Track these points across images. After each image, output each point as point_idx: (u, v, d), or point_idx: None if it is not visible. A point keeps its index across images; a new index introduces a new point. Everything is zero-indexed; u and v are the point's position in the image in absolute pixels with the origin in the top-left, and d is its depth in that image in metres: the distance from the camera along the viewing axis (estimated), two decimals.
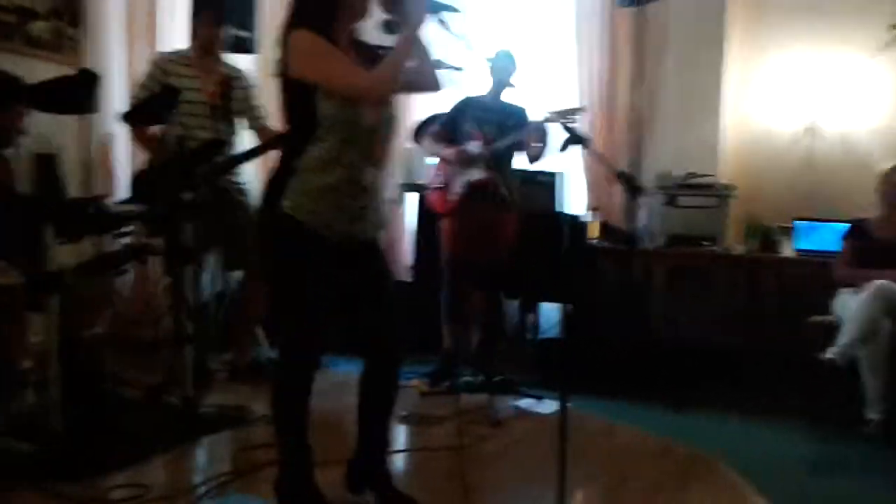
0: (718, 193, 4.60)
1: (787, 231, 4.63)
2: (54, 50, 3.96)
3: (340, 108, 2.21)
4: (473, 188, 4.16)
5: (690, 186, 4.60)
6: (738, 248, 4.64)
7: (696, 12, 4.87)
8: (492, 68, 4.13)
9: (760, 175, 4.97)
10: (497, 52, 4.19)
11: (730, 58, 4.97)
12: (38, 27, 3.90)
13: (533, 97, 2.58)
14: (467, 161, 4.13)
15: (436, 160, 4.35)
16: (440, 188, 4.28)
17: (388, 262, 2.62)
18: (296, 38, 2.20)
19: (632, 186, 2.72)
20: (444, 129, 4.29)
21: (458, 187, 4.20)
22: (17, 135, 3.01)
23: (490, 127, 4.15)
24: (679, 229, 4.61)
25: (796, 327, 4.02)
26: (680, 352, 4.33)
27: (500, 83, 4.17)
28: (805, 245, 4.56)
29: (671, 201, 4.61)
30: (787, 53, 4.93)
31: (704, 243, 4.57)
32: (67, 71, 3.68)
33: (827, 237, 4.43)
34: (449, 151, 4.18)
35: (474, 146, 4.13)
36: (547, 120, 3.98)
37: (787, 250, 4.59)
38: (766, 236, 4.62)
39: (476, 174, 4.15)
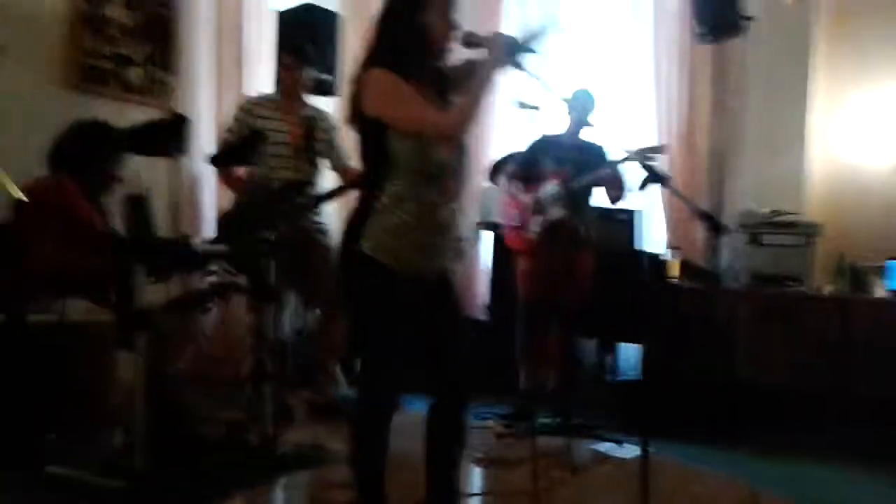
0: (804, 231, 4.46)
1: (879, 270, 4.43)
2: (147, 94, 4.14)
3: (413, 147, 2.22)
4: (550, 227, 4.15)
5: (775, 224, 4.47)
6: (827, 289, 4.47)
7: (780, 46, 4.77)
8: (570, 107, 4.13)
9: (849, 212, 4.79)
10: (575, 91, 4.18)
11: (815, 91, 4.85)
12: (134, 73, 4.08)
13: (611, 135, 2.56)
14: (542, 208, 4.13)
15: (512, 199, 4.36)
16: (516, 227, 4.27)
17: (463, 300, 2.61)
18: (371, 76, 2.22)
19: (715, 226, 2.65)
20: (522, 168, 4.30)
21: (534, 226, 4.19)
22: (116, 183, 3.15)
23: (568, 165, 4.14)
24: (763, 268, 4.46)
25: (890, 370, 3.84)
26: (766, 394, 4.18)
27: (579, 122, 4.15)
28: None
29: (755, 239, 4.49)
30: (875, 87, 4.78)
31: (790, 283, 4.41)
32: (159, 115, 3.86)
33: None
34: (524, 197, 4.19)
35: (550, 188, 4.13)
36: (626, 159, 3.95)
37: (880, 290, 4.40)
38: (856, 276, 4.43)
39: (553, 213, 4.14)
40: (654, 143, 4.15)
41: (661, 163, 4.78)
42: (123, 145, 3.15)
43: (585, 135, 4.23)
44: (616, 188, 4.09)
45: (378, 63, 2.23)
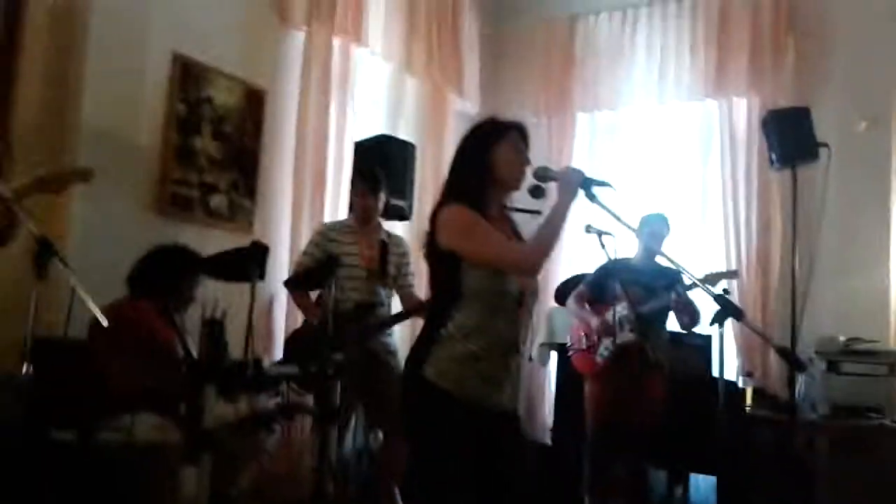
0: (886, 360, 4.29)
1: None
2: (229, 220, 4.36)
3: (487, 279, 2.28)
4: (619, 350, 4.10)
5: (855, 352, 4.32)
6: None
7: (857, 170, 4.76)
8: (640, 230, 4.14)
9: None
10: (647, 215, 4.21)
11: (895, 217, 4.77)
12: (217, 200, 4.33)
13: (685, 261, 2.59)
14: (610, 331, 4.10)
15: (580, 321, 4.34)
16: (584, 349, 4.24)
17: (528, 427, 2.59)
18: (449, 212, 2.30)
19: (794, 362, 2.60)
20: (590, 290, 4.31)
21: (604, 349, 4.15)
22: (191, 302, 3.31)
23: (637, 289, 4.12)
24: (843, 398, 4.28)
25: None
26: None
27: (649, 246, 4.15)
28: None
29: (834, 368, 4.33)
30: None
31: (872, 415, 4.21)
32: (240, 239, 4.05)
33: None
34: (593, 320, 4.17)
35: (619, 310, 4.11)
36: (695, 284, 3.92)
37: None
38: None
39: (623, 336, 4.10)
40: (725, 268, 4.09)
41: (734, 292, 4.75)
42: (200, 268, 3.32)
43: (659, 259, 4.22)
44: (687, 314, 4.04)
45: (454, 198, 2.33)
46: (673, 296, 3.97)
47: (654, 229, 4.11)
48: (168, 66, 4.09)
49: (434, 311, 2.38)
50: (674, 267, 4.19)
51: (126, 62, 3.85)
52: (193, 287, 3.29)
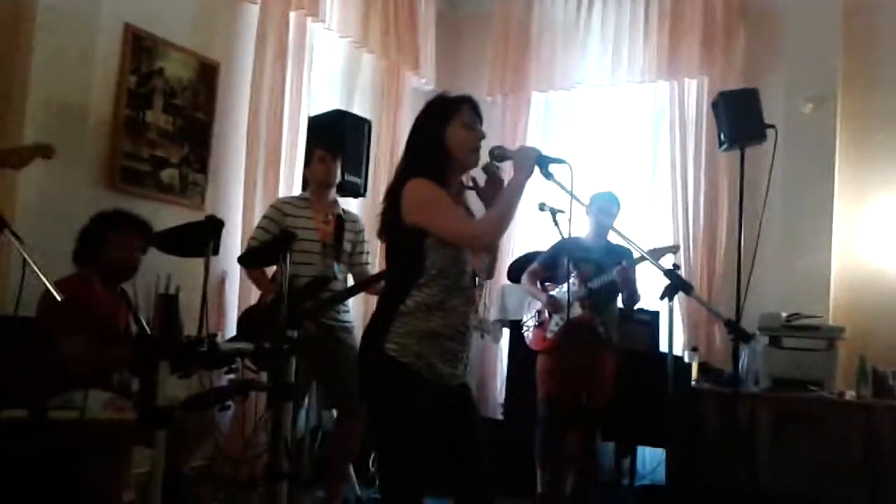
0: (826, 335, 4.44)
1: None
2: (181, 195, 4.31)
3: (449, 256, 2.30)
4: (570, 326, 4.17)
5: (796, 328, 4.46)
6: (850, 394, 4.42)
7: (803, 152, 4.90)
8: (590, 209, 4.20)
9: (871, 316, 4.79)
10: (596, 194, 4.27)
11: (837, 196, 4.92)
12: (169, 174, 4.27)
13: (634, 238, 2.65)
14: (558, 308, 4.17)
15: (532, 298, 4.41)
16: (536, 326, 4.31)
17: (480, 402, 2.64)
18: (412, 186, 2.30)
19: (739, 334, 2.67)
20: (543, 268, 4.37)
21: (554, 325, 4.22)
22: (133, 267, 3.26)
23: (588, 266, 4.20)
24: (784, 372, 4.44)
25: None
26: (788, 501, 4.08)
27: (599, 224, 4.23)
28: None
29: (776, 343, 4.47)
30: None
31: (812, 387, 4.37)
32: (192, 214, 4.01)
33: None
34: (542, 295, 4.25)
35: (569, 287, 4.18)
36: (639, 259, 4.01)
37: None
38: (880, 381, 4.38)
39: (573, 312, 4.18)
40: (667, 243, 4.18)
41: (682, 269, 4.87)
42: (151, 237, 3.28)
43: (609, 237, 4.30)
44: (627, 289, 4.14)
45: (415, 174, 2.34)
46: (616, 270, 4.06)
47: (603, 207, 4.18)
48: (119, 37, 4.01)
49: (393, 287, 2.39)
50: (623, 244, 4.31)
51: (76, 34, 3.75)
52: (129, 247, 3.23)
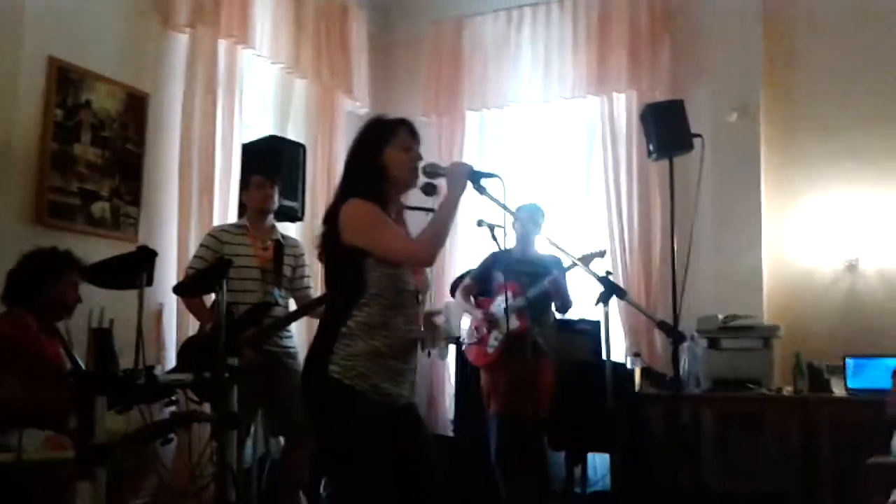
0: (762, 334, 4.57)
1: (838, 369, 4.53)
2: (113, 228, 4.24)
3: (389, 276, 2.31)
4: (507, 340, 4.22)
5: (732, 329, 4.58)
6: (787, 389, 4.55)
7: (730, 159, 5.05)
8: (518, 221, 4.24)
9: (804, 313, 4.96)
10: (521, 206, 4.34)
11: (766, 199, 5.08)
12: (100, 208, 4.19)
13: (561, 246, 2.71)
14: (494, 323, 4.23)
15: (468, 315, 4.45)
16: (475, 342, 4.35)
17: (429, 419, 2.64)
18: (350, 206, 2.31)
19: (673, 335, 2.74)
20: (476, 283, 4.42)
21: (493, 340, 4.26)
22: (71, 307, 3.20)
23: (522, 277, 4.26)
24: (724, 372, 4.55)
25: (855, 470, 3.87)
26: (733, 498, 4.18)
27: (528, 235, 4.31)
28: (857, 383, 4.45)
29: (713, 344, 4.58)
30: (823, 193, 5.04)
31: (751, 386, 4.49)
32: (125, 247, 3.94)
33: (879, 374, 4.32)
34: (477, 311, 4.29)
35: (501, 301, 4.24)
36: (570, 267, 4.09)
37: (839, 389, 4.48)
38: (815, 376, 4.52)
39: (510, 325, 4.22)
40: (596, 248, 4.26)
41: (618, 277, 4.99)
42: (83, 272, 3.23)
43: (540, 248, 4.37)
44: (559, 297, 4.21)
45: (352, 195, 2.34)
46: (548, 279, 4.12)
47: (530, 218, 4.21)
48: (44, 70, 3.94)
49: (334, 309, 2.39)
50: (551, 253, 4.38)
51: None
52: (71, 289, 3.18)
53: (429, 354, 4.93)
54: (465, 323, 4.52)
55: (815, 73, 5.16)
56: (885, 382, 4.11)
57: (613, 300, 2.68)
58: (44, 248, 3.29)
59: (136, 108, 4.42)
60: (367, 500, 2.26)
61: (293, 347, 4.00)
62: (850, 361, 4.51)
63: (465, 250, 5.68)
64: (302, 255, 4.12)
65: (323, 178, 5.41)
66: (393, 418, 2.33)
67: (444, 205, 2.36)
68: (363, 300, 2.31)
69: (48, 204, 3.93)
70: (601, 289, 2.61)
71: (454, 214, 2.37)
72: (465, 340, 4.45)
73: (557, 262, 4.31)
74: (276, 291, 3.91)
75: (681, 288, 4.26)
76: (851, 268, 4.90)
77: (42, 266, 3.19)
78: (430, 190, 2.49)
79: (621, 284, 4.68)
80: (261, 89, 5.33)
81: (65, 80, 4.04)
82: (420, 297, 2.42)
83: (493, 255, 4.48)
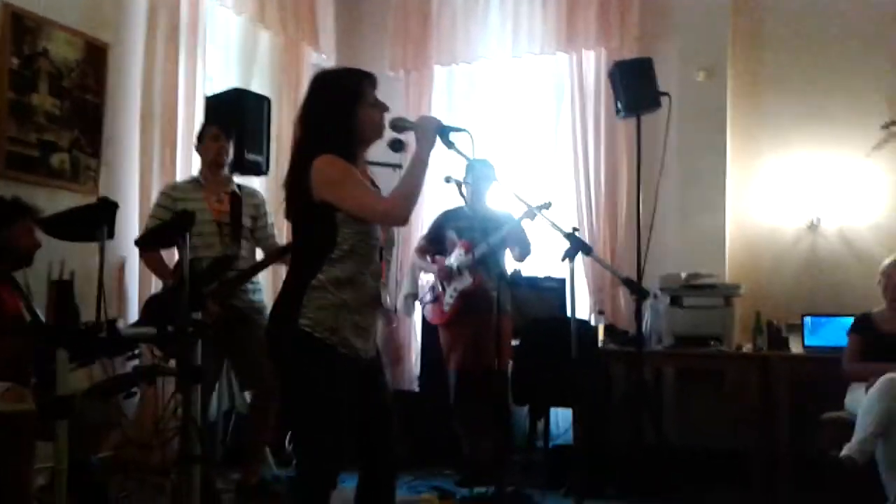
0: (723, 293, 4.63)
1: (796, 328, 4.63)
2: (73, 180, 4.15)
3: (360, 232, 2.30)
4: (462, 296, 4.25)
5: (695, 287, 4.64)
6: (747, 347, 4.64)
7: (696, 118, 5.06)
8: (470, 176, 4.21)
9: (766, 273, 5.03)
10: (474, 160, 4.30)
11: (730, 159, 5.12)
12: (59, 159, 4.10)
13: (520, 196, 2.72)
14: (449, 274, 4.25)
15: (424, 273, 4.47)
16: (433, 301, 4.37)
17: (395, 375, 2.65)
18: (321, 162, 2.27)
19: (637, 291, 2.77)
20: (428, 242, 4.44)
21: (448, 297, 4.28)
22: (27, 254, 3.13)
23: (473, 233, 4.27)
24: (686, 329, 4.61)
25: (811, 425, 3.99)
26: (693, 453, 4.28)
27: (478, 191, 4.31)
28: (815, 341, 4.55)
29: (676, 302, 4.64)
30: (786, 153, 5.09)
31: (712, 343, 4.56)
32: (85, 199, 3.87)
33: (836, 332, 4.40)
34: (432, 266, 4.31)
35: (455, 257, 4.25)
36: (521, 217, 4.10)
37: (797, 347, 4.58)
38: (774, 334, 4.61)
39: (463, 282, 4.25)
40: (541, 201, 4.25)
41: (585, 234, 5.02)
42: (31, 217, 3.17)
43: (490, 204, 4.37)
44: (518, 244, 4.23)
45: (321, 149, 2.30)
46: (504, 230, 4.14)
47: (480, 174, 4.14)
48: None
49: (302, 262, 2.36)
50: (503, 210, 4.38)
51: None
52: (26, 235, 3.12)
53: (395, 310, 5.00)
54: (426, 282, 4.54)
55: (781, 35, 5.17)
56: (841, 341, 4.21)
57: (579, 257, 2.69)
58: None
59: (96, 57, 4.30)
60: (322, 451, 2.28)
61: (260, 302, 3.98)
62: (807, 320, 4.61)
63: (432, 207, 5.65)
64: (262, 202, 4.08)
65: (288, 131, 5.23)
66: (361, 370, 2.35)
67: (415, 161, 2.34)
68: (333, 255, 2.29)
69: (6, 154, 3.83)
70: (566, 245, 2.62)
71: (425, 170, 2.35)
72: (421, 300, 4.46)
73: (509, 216, 4.32)
74: (238, 244, 3.85)
75: (645, 246, 4.32)
76: (812, 228, 4.96)
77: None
78: (397, 146, 2.47)
79: (587, 241, 4.70)
80: (225, 41, 5.21)
81: (21, 28, 3.91)
82: (384, 254, 2.41)
83: (444, 213, 4.49)
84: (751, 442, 4.29)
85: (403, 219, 2.36)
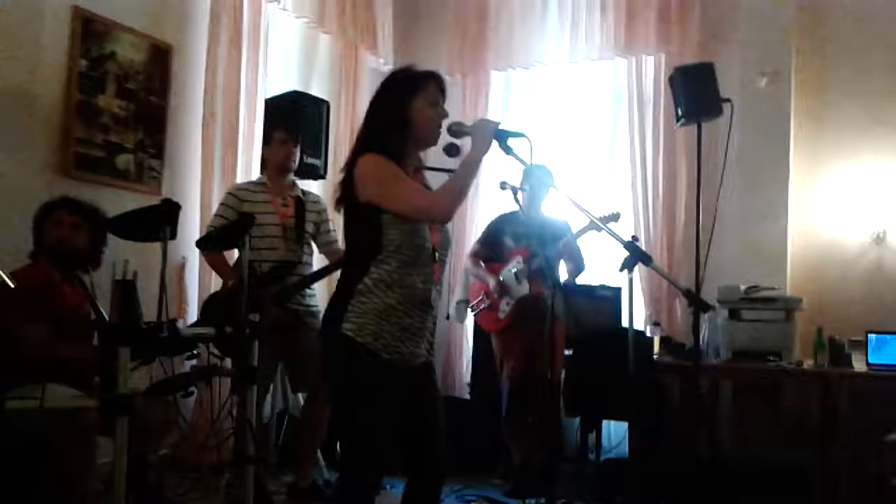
0: (784, 306, 4.52)
1: (859, 344, 4.47)
2: (137, 180, 4.24)
3: (406, 232, 2.28)
4: (520, 304, 4.20)
5: (754, 300, 4.53)
6: (808, 363, 4.51)
7: (759, 125, 4.96)
8: (528, 182, 4.17)
9: (828, 286, 4.89)
10: (532, 166, 4.26)
11: (794, 168, 5.00)
12: (124, 160, 4.19)
13: (583, 207, 2.65)
14: (506, 289, 4.20)
15: (478, 280, 4.42)
16: (486, 307, 4.33)
17: (446, 382, 2.63)
18: (365, 161, 2.27)
19: (698, 304, 2.70)
20: (484, 248, 4.39)
21: (505, 304, 4.24)
22: (70, 246, 3.18)
23: (529, 240, 4.22)
24: (744, 343, 4.50)
25: (873, 446, 3.85)
26: (749, 470, 4.17)
27: (536, 197, 4.25)
28: (879, 359, 4.39)
29: (735, 315, 4.54)
30: (851, 163, 4.95)
31: (771, 358, 4.45)
32: (148, 200, 3.94)
33: None
34: (491, 280, 4.26)
35: (513, 265, 4.21)
36: (583, 230, 4.04)
37: (860, 364, 4.43)
38: (836, 350, 4.47)
39: (520, 290, 4.20)
40: (610, 211, 4.18)
41: (641, 242, 4.94)
42: (102, 223, 3.23)
43: (546, 210, 4.32)
44: (572, 261, 4.17)
45: (370, 149, 2.30)
46: (561, 243, 4.08)
47: (538, 181, 4.10)
48: (68, 21, 3.91)
49: (351, 265, 2.36)
50: (559, 217, 4.32)
51: (23, 18, 3.67)
52: (58, 227, 3.17)
53: (447, 317, 4.99)
54: (472, 289, 4.50)
55: (847, 39, 5.02)
56: None
57: (636, 267, 2.64)
58: (67, 197, 3.28)
59: (161, 60, 4.39)
60: (366, 456, 2.27)
61: (315, 306, 4.00)
62: (872, 337, 4.45)
63: (486, 212, 5.63)
64: (324, 209, 4.11)
65: (346, 135, 5.38)
66: (407, 377, 2.32)
67: (467, 161, 2.30)
68: (380, 257, 2.28)
69: (73, 156, 3.92)
70: (624, 254, 2.56)
71: (476, 172, 2.32)
72: (475, 306, 4.42)
73: (566, 225, 4.27)
74: (300, 249, 3.90)
75: (704, 256, 4.23)
76: (878, 240, 4.82)
77: (37, 215, 3.19)
78: (452, 151, 2.44)
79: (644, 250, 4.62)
80: (285, 44, 5.28)
81: (89, 31, 4.01)
82: (438, 255, 2.39)
83: (500, 217, 4.44)
84: (809, 460, 4.17)
85: (446, 216, 2.32)
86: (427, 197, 2.32)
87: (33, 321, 2.90)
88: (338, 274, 4.08)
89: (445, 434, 2.42)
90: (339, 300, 2.32)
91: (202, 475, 3.72)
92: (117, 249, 3.29)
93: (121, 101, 4.18)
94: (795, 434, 4.27)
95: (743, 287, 4.56)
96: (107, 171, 4.10)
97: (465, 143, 2.40)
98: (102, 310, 3.21)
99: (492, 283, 4.27)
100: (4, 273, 2.53)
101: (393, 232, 2.28)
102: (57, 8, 3.85)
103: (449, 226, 2.46)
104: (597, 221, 2.65)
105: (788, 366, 4.40)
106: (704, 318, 4.56)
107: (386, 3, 5.87)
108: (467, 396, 5.23)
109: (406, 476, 2.41)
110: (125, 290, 2.98)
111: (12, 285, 2.52)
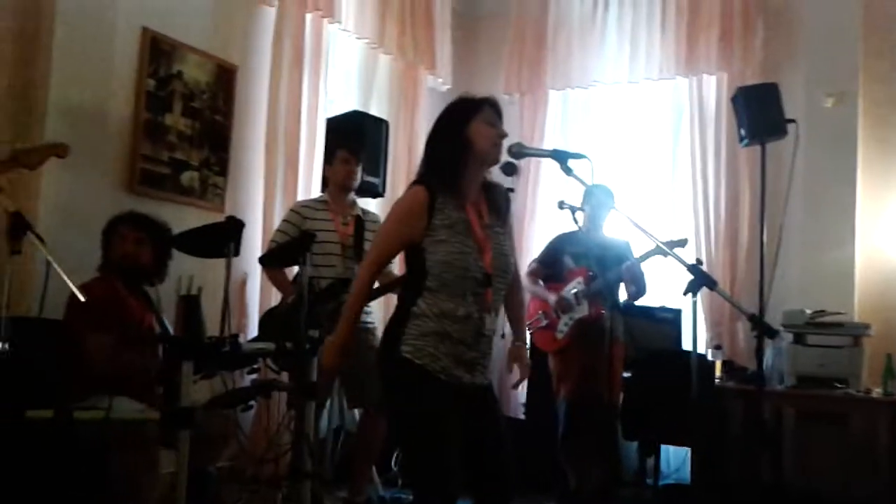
0: (851, 332, 4.38)
1: None
2: (201, 197, 4.33)
3: (442, 262, 2.29)
4: (579, 325, 4.15)
5: (820, 325, 4.41)
6: (876, 391, 4.36)
7: (825, 147, 4.85)
8: (589, 203, 4.15)
9: None
10: (594, 186, 4.21)
11: (860, 191, 4.87)
12: (189, 177, 4.29)
13: (650, 233, 2.61)
14: (567, 307, 4.15)
15: (536, 299, 4.38)
16: (544, 327, 4.29)
17: (502, 403, 2.61)
18: (405, 193, 2.36)
19: (764, 329, 2.64)
20: (542, 267, 4.35)
21: (563, 325, 4.20)
22: (137, 262, 3.25)
23: (588, 260, 4.16)
24: (810, 370, 4.38)
25: None
26: (812, 498, 4.04)
27: (596, 217, 4.20)
28: None
29: (800, 340, 4.42)
30: None
31: (838, 385, 4.32)
32: (212, 217, 4.02)
33: None
34: (551, 298, 4.21)
35: (573, 285, 4.16)
36: (648, 254, 3.98)
37: None
38: None
39: (580, 311, 4.15)
40: (677, 237, 4.11)
41: (704, 265, 4.84)
42: (168, 239, 3.30)
43: (608, 230, 4.27)
44: (634, 284, 4.10)
45: (418, 180, 2.36)
46: (624, 266, 4.02)
47: (599, 201, 4.06)
48: (137, 41, 4.03)
49: (406, 288, 2.39)
50: (620, 238, 4.27)
51: (94, 39, 3.78)
52: (123, 242, 3.24)
53: (503, 336, 4.96)
54: (528, 307, 4.45)
55: None
56: None
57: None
58: (135, 212, 3.37)
59: (226, 79, 4.49)
60: (433, 480, 2.26)
61: (372, 323, 4.02)
62: None
63: (542, 232, 5.60)
64: None
65: (404, 154, 5.42)
66: (466, 400, 2.31)
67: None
68: (427, 283, 2.30)
69: (140, 172, 4.03)
70: (688, 278, 2.52)
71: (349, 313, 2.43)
72: (532, 325, 4.38)
73: (627, 246, 4.21)
74: (358, 267, 3.92)
75: (768, 280, 4.13)
76: None
77: (105, 230, 3.28)
78: (509, 170, 2.46)
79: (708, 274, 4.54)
80: (345, 64, 5.35)
81: (157, 51, 4.13)
82: (494, 282, 2.37)
83: (559, 237, 4.40)
84: (880, 493, 4.02)
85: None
86: (369, 256, 2.49)
87: (101, 332, 2.98)
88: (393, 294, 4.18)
89: (511, 456, 2.40)
90: (396, 322, 2.35)
91: (260, 488, 3.74)
92: (182, 265, 3.36)
93: (186, 120, 4.28)
94: (862, 464, 4.12)
95: (808, 311, 4.44)
96: (172, 188, 4.19)
97: (524, 164, 2.41)
98: (167, 322, 3.27)
99: (552, 299, 4.22)
100: (74, 286, 2.61)
101: (433, 261, 2.31)
102: (126, 29, 3.97)
103: (508, 250, 2.45)
104: (663, 247, 2.61)
105: (856, 393, 4.26)
106: (768, 342, 4.45)
107: (445, 23, 5.92)
108: (522, 417, 5.18)
109: (471, 498, 2.38)
110: (189, 305, 3.04)
111: (83, 299, 2.60)
